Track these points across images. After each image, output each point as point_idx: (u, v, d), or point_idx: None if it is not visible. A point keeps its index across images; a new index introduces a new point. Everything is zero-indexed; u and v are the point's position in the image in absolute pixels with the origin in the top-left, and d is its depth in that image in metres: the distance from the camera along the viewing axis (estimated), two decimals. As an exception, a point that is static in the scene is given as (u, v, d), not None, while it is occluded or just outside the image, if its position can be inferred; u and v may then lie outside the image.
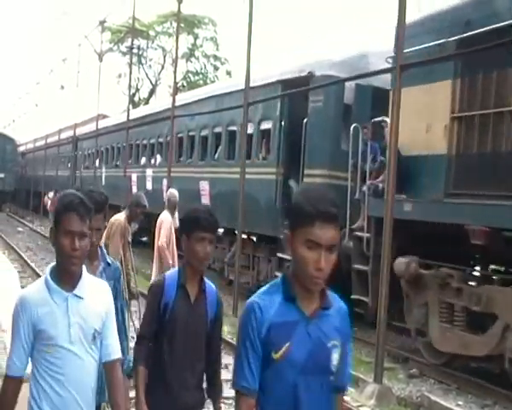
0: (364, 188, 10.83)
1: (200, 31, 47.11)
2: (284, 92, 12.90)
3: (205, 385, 3.60)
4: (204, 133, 17.36)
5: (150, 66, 50.05)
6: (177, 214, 9.90)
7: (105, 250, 4.37)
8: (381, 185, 10.45)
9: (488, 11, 8.85)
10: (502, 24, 8.31)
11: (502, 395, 8.48)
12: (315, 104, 12.30)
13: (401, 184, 10.29)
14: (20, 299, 2.90)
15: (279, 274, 13.15)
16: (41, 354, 2.85)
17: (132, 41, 29.66)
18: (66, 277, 2.86)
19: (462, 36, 9.09)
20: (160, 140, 20.57)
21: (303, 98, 12.72)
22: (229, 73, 46.51)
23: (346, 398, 5.77)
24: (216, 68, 48.40)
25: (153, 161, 21.30)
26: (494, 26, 8.44)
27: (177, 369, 3.40)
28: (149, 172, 21.05)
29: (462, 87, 9.27)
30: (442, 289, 9.06)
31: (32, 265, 18.24)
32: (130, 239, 8.04)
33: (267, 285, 2.42)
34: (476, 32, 8.79)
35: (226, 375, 4.39)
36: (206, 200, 16.09)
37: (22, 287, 13.23)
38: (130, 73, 27.57)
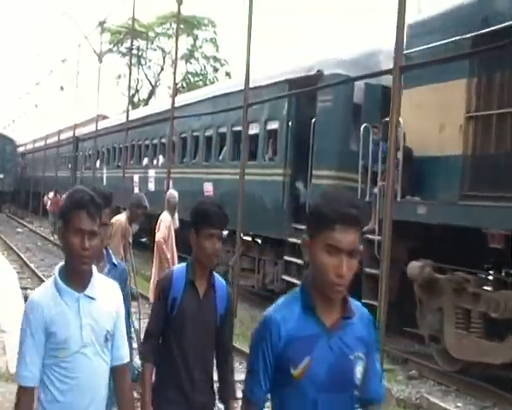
0: (375, 190, 10.54)
1: (199, 32, 47.13)
2: (292, 92, 12.62)
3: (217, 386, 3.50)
4: (208, 133, 17.07)
5: (150, 67, 50.18)
6: (176, 215, 9.93)
7: (110, 251, 4.23)
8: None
9: (507, 7, 8.58)
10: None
11: (501, 397, 8.36)
12: (324, 104, 12.03)
13: (414, 186, 10.06)
14: (31, 302, 2.76)
15: (286, 278, 12.92)
16: (51, 359, 2.72)
17: (132, 42, 29.75)
18: (76, 277, 2.75)
19: (473, 34, 8.85)
20: (163, 140, 20.30)
21: (311, 98, 12.44)
22: (228, 74, 46.55)
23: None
24: (215, 70, 48.40)
25: (155, 162, 21.02)
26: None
27: (187, 366, 3.33)
28: (152, 172, 20.78)
29: (478, 86, 9.01)
30: (458, 295, 8.78)
31: (32, 265, 18.18)
32: (130, 240, 7.98)
33: (285, 296, 2.29)
34: (489, 29, 8.57)
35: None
36: (210, 201, 15.78)
37: (21, 288, 13.53)
38: (130, 73, 27.31)
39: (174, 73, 19.70)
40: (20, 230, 30.96)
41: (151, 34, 46.93)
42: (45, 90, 53.24)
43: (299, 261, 12.43)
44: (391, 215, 8.24)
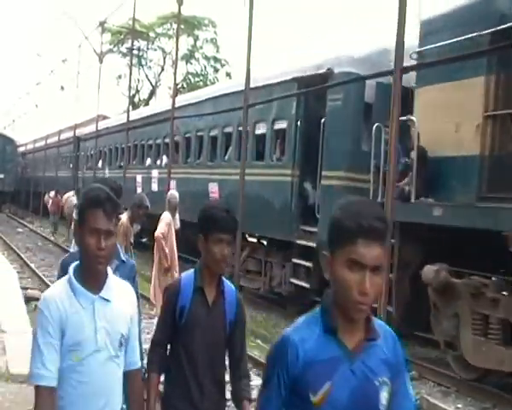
0: (388, 191, 10.24)
1: (200, 32, 47.14)
2: (301, 90, 12.33)
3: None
4: (213, 133, 16.79)
5: (150, 67, 50.26)
6: (177, 216, 10.01)
7: (119, 246, 4.03)
8: (407, 188, 9.89)
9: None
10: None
11: (501, 398, 8.24)
12: (334, 103, 11.74)
13: (428, 188, 9.78)
14: (45, 299, 2.65)
15: (294, 281, 12.63)
16: (64, 362, 2.59)
17: (132, 42, 29.62)
18: (91, 278, 2.67)
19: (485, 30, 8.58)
20: (167, 140, 19.98)
21: (320, 97, 12.16)
22: (229, 75, 46.56)
23: None
24: (216, 70, 48.44)
25: (158, 162, 20.74)
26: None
27: (196, 375, 3.24)
28: (155, 173, 20.49)
29: (496, 83, 8.74)
30: (475, 300, 8.48)
31: (32, 265, 18.12)
32: (132, 240, 7.87)
33: (305, 315, 2.13)
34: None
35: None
36: (215, 202, 15.50)
37: (22, 288, 13.40)
38: (130, 74, 27.13)
39: (174, 74, 19.73)
40: (20, 230, 30.97)
41: (151, 34, 46.93)
42: (46, 90, 53.34)
43: (308, 264, 12.15)
44: (393, 217, 8.00)
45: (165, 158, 20.22)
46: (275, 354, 2.09)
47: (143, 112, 25.83)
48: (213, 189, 16.00)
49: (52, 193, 29.79)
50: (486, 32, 8.69)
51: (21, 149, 51.03)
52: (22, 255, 20.29)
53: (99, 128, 27.36)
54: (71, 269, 2.71)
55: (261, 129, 14.15)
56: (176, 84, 20.82)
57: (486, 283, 8.35)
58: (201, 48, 48.05)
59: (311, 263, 12.06)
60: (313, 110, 12.53)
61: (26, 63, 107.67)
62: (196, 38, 47.29)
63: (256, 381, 6.16)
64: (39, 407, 2.55)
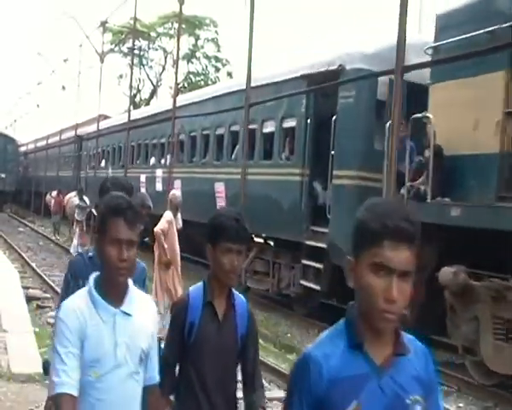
0: (402, 190, 9.95)
1: (201, 32, 47.16)
2: (311, 87, 12.03)
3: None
4: (219, 132, 16.49)
5: (151, 67, 50.34)
6: (179, 215, 10.00)
7: None
8: (422, 188, 9.61)
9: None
10: None
11: (502, 398, 8.15)
12: (345, 100, 11.45)
13: (445, 187, 9.50)
14: (65, 307, 2.56)
15: (304, 283, 12.33)
16: (82, 378, 2.48)
17: (133, 42, 29.91)
18: (112, 290, 2.59)
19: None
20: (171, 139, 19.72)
21: (331, 94, 11.87)
22: (229, 74, 46.51)
23: None
24: (217, 69, 48.43)
25: (163, 162, 20.44)
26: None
27: (208, 394, 3.08)
28: (159, 172, 20.18)
29: (518, 79, 8.44)
30: (496, 303, 8.20)
31: (33, 265, 18.08)
32: None
33: (328, 330, 1.96)
34: None
35: None
36: (221, 202, 15.23)
37: (23, 287, 13.47)
38: (132, 73, 27.16)
39: (176, 73, 19.74)
40: (21, 229, 31.04)
41: (153, 34, 46.94)
42: (47, 89, 53.13)
43: (318, 266, 11.87)
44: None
45: (169, 157, 19.94)
46: (296, 373, 1.92)
47: (147, 111, 25.60)
48: (219, 189, 15.71)
49: (54, 193, 29.65)
50: (506, 25, 8.42)
51: (23, 148, 51.19)
52: (23, 255, 20.27)
53: (102, 128, 27.27)
54: (91, 280, 2.62)
55: (269, 127, 13.87)
56: (177, 84, 20.78)
57: (509, 285, 8.05)
58: (202, 47, 48.09)
59: (321, 264, 11.77)
60: (323, 108, 12.24)
61: (27, 63, 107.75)
62: (197, 38, 47.31)
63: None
64: None
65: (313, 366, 1.86)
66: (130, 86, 29.09)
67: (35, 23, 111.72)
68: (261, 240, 14.57)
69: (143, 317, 2.66)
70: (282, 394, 8.27)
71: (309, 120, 12.39)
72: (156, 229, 9.10)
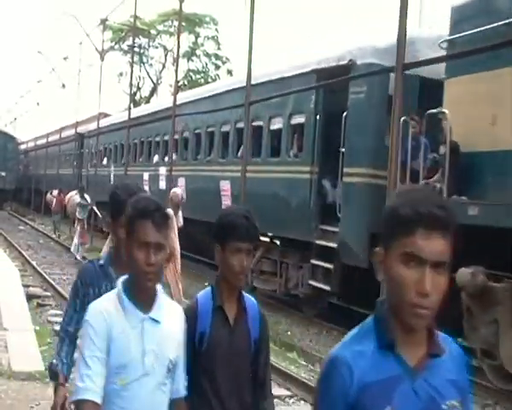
0: (417, 188, 9.68)
1: (201, 30, 47.24)
2: (321, 83, 11.77)
3: None
4: (225, 129, 16.21)
5: (151, 64, 50.57)
6: (180, 213, 9.90)
7: None
8: (438, 185, 9.33)
9: None
10: None
11: (503, 395, 8.07)
12: (356, 96, 11.18)
13: (461, 185, 9.23)
14: (93, 308, 2.52)
15: (313, 283, 12.06)
16: (107, 385, 2.42)
17: (134, 40, 29.63)
18: (141, 295, 2.53)
19: None
20: (176, 136, 19.45)
21: (341, 89, 11.59)
22: (230, 72, 46.55)
23: None
24: (217, 67, 48.51)
25: (166, 159, 20.17)
26: None
27: (222, 403, 2.96)
28: (163, 170, 19.91)
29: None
30: (517, 305, 7.93)
31: (33, 263, 18.10)
32: None
33: (355, 330, 1.81)
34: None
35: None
36: (227, 200, 14.95)
37: (23, 285, 13.45)
38: (132, 71, 27.05)
39: (176, 71, 19.71)
40: (21, 227, 31.10)
41: (153, 32, 47.11)
42: (47, 87, 52.94)
43: (328, 266, 11.59)
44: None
45: (173, 155, 19.70)
46: (325, 380, 1.77)
47: (149, 108, 25.38)
48: (225, 187, 15.43)
49: (55, 192, 29.51)
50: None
51: (23, 146, 51.33)
52: (24, 253, 20.33)
53: (103, 125, 27.18)
54: (119, 283, 2.57)
55: (277, 124, 13.61)
56: (177, 82, 20.74)
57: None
58: (203, 45, 48.20)
59: (331, 264, 11.50)
60: (333, 104, 11.97)
61: (27, 61, 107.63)
62: (197, 36, 47.40)
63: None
64: None
65: (343, 369, 1.72)
66: (131, 84, 29.07)
67: (35, 22, 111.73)
68: (267, 239, 14.31)
69: (172, 325, 2.60)
70: (282, 392, 8.05)
71: (318, 116, 12.14)
72: None
